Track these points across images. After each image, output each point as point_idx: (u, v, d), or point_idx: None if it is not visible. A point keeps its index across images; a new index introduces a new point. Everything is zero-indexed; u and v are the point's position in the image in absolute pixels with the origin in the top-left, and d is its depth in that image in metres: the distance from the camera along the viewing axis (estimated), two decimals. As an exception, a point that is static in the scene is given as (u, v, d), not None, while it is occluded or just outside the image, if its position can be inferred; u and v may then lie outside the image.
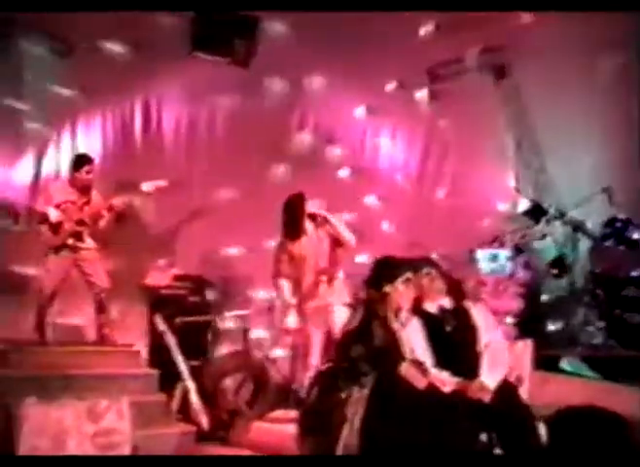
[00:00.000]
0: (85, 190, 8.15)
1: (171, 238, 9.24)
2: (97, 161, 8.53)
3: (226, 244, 9.49)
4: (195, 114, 9.63)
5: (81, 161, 8.26)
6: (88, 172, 8.12)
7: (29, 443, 6.14)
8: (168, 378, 7.70)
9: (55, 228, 7.96)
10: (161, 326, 7.89)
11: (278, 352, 8.49)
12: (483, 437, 5.21)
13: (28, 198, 8.94)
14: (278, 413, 7.45)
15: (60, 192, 8.14)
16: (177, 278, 8.86)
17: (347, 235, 7.30)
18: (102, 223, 8.08)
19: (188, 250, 9.26)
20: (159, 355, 8.01)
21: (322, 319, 7.22)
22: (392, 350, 5.25)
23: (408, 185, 9.97)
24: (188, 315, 8.50)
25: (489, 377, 5.24)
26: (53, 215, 7.95)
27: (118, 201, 8.04)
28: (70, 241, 7.99)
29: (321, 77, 9.70)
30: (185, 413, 7.57)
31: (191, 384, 7.56)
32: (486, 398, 5.15)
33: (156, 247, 9.09)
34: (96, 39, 9.06)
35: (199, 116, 9.62)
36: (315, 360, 7.21)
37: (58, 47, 9.15)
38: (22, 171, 9.15)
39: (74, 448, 6.19)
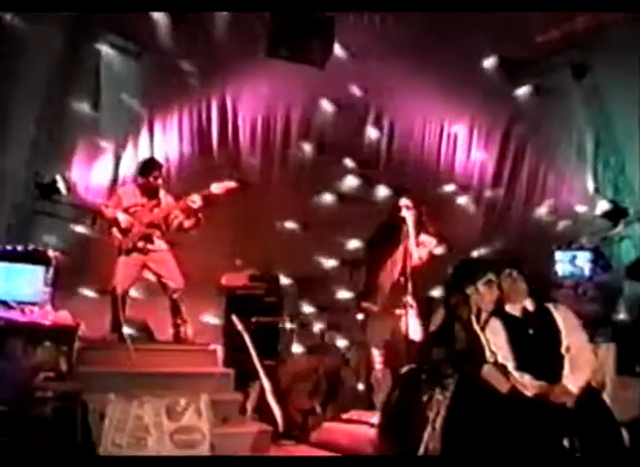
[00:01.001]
0: (153, 193, 8.24)
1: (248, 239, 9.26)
2: (174, 161, 8.62)
3: (302, 245, 9.43)
4: (271, 115, 9.63)
5: (149, 166, 8.35)
6: (155, 178, 8.21)
7: (110, 438, 6.26)
8: (244, 378, 7.75)
9: (125, 231, 8.08)
10: (239, 325, 7.94)
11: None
12: (566, 441, 5.12)
13: (106, 200, 9.06)
14: (352, 414, 7.44)
15: (129, 196, 8.24)
16: (253, 279, 8.89)
17: (415, 254, 7.22)
18: (175, 223, 8.18)
19: (264, 250, 9.29)
20: (234, 354, 8.05)
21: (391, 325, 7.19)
22: (474, 353, 5.20)
23: (484, 184, 9.83)
24: (263, 315, 8.52)
25: (572, 381, 5.15)
26: (123, 219, 8.05)
27: (194, 201, 8.11)
28: (140, 244, 8.09)
29: (396, 76, 9.62)
30: (260, 412, 7.60)
31: (266, 384, 7.59)
32: (570, 402, 5.07)
33: (232, 247, 9.11)
34: (171, 40, 9.11)
35: (275, 117, 9.61)
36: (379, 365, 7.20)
37: (132, 47, 9.25)
38: (101, 173, 9.27)
39: (153, 444, 6.28)
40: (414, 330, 6.91)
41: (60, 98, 9.11)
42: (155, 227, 8.17)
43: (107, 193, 9.14)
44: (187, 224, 8.19)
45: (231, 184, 8.17)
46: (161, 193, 8.28)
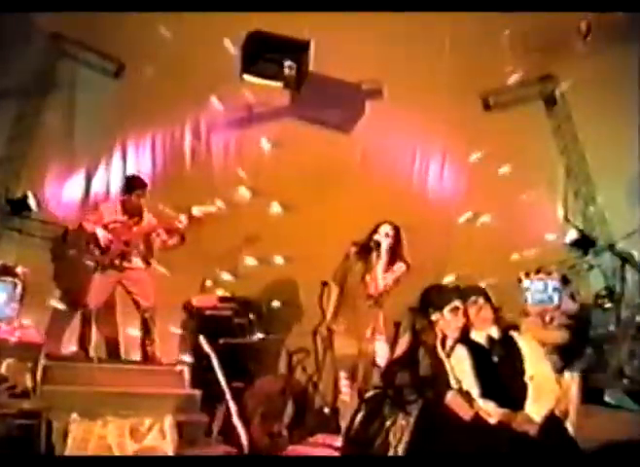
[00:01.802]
0: (135, 211, 8.27)
1: (220, 260, 9.22)
2: (147, 181, 8.60)
3: (272, 267, 9.38)
4: (245, 137, 9.63)
5: (132, 184, 8.38)
6: (138, 196, 8.23)
7: (72, 458, 6.24)
8: (210, 399, 7.71)
9: (103, 247, 8.07)
10: (206, 347, 7.91)
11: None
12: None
13: (77, 216, 9.06)
14: (318, 438, 7.43)
15: (110, 212, 8.27)
16: (222, 300, 8.87)
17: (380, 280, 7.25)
18: (158, 242, 8.19)
19: (234, 272, 9.26)
20: (201, 376, 8.00)
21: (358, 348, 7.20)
22: (438, 379, 5.23)
23: (454, 211, 9.82)
24: (232, 337, 8.49)
25: (536, 410, 5.17)
26: (102, 235, 8.06)
27: (180, 220, 8.13)
28: (117, 261, 8.10)
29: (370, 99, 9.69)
30: (226, 434, 7.57)
31: (233, 406, 7.57)
32: (532, 430, 5.08)
33: (202, 268, 9.08)
34: (145, 59, 9.13)
35: (248, 139, 9.61)
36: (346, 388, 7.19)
37: (109, 67, 9.27)
38: (73, 189, 9.27)
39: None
40: (382, 354, 6.93)
41: (34, 115, 9.12)
42: (133, 245, 8.17)
43: (78, 208, 9.15)
44: (170, 242, 8.20)
45: (212, 208, 8.22)
46: (145, 212, 8.30)
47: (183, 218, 8.12)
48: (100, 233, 8.08)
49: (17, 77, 9.14)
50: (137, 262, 8.24)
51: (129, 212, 8.26)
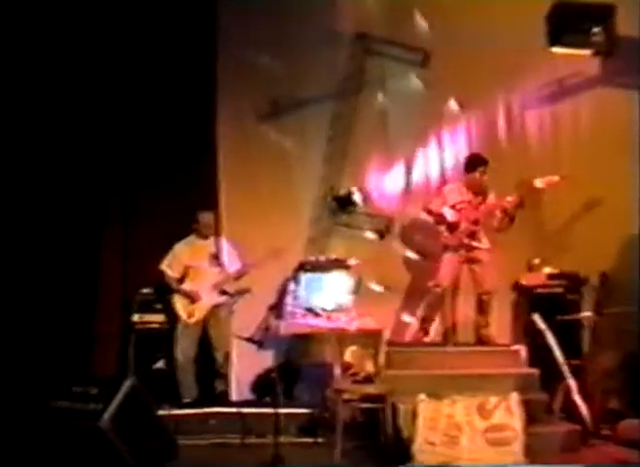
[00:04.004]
0: (479, 190, 8.40)
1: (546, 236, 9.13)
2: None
3: (595, 239, 9.12)
4: (558, 112, 9.44)
5: (474, 162, 8.51)
6: (482, 173, 8.35)
7: (423, 437, 6.49)
8: (549, 377, 7.70)
9: (452, 227, 8.28)
10: (541, 325, 7.89)
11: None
12: None
13: (400, 206, 9.48)
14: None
15: (454, 193, 8.46)
16: (552, 277, 8.77)
17: None
18: (495, 223, 8.28)
19: (563, 247, 9.12)
20: (538, 354, 8.00)
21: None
22: None
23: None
24: (565, 314, 8.40)
25: None
26: (450, 215, 8.26)
27: (510, 202, 8.16)
28: (466, 240, 8.25)
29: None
30: (568, 411, 7.53)
31: (572, 383, 7.51)
32: None
33: (528, 246, 9.03)
34: (451, 45, 9.23)
35: (562, 113, 9.42)
36: None
37: (415, 58, 9.47)
38: (394, 180, 9.59)
39: (466, 442, 6.43)
40: None
41: (349, 114, 9.53)
42: (481, 224, 8.33)
43: (400, 199, 9.54)
44: (503, 224, 8.27)
45: (555, 178, 8.17)
46: (490, 192, 8.43)
47: (510, 199, 8.14)
48: (448, 212, 8.30)
49: (329, 80, 9.60)
50: (485, 242, 8.36)
51: (474, 190, 8.40)
